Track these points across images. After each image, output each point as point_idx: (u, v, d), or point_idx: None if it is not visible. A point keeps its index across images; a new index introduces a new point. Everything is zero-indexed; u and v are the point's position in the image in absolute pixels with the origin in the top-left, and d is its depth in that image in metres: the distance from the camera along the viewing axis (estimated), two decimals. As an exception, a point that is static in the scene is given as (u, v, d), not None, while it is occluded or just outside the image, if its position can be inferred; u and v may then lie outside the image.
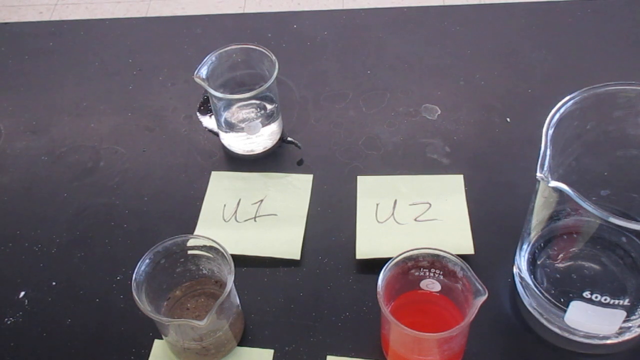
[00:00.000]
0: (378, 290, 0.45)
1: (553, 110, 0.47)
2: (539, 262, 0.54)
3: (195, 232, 0.60)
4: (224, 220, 0.61)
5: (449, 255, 0.47)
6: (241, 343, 0.52)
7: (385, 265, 0.47)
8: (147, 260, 0.49)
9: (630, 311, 0.47)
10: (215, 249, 0.50)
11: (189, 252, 0.51)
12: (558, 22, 0.79)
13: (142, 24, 0.88)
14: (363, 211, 0.60)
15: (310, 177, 0.64)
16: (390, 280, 0.47)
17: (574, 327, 0.49)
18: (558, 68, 0.73)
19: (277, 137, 0.68)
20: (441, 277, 0.49)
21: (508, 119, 0.68)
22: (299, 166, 0.66)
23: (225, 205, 0.62)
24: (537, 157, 0.44)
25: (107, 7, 1.81)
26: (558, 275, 0.53)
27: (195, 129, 0.70)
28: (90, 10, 1.80)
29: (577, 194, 0.41)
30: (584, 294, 0.46)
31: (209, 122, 0.71)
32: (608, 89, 0.48)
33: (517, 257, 0.54)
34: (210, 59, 0.63)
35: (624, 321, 0.47)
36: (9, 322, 0.55)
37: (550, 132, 0.46)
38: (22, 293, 0.57)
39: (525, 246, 0.53)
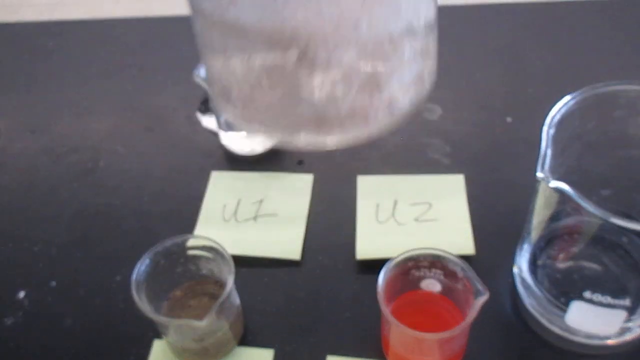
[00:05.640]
0: (378, 290, 0.45)
1: (553, 110, 0.47)
2: (539, 262, 0.54)
3: (195, 232, 0.60)
4: (224, 220, 0.61)
5: (449, 256, 0.47)
6: (241, 343, 0.52)
7: (386, 266, 0.47)
8: (147, 261, 0.49)
9: (631, 311, 0.47)
10: (215, 249, 0.50)
11: (189, 252, 0.51)
12: (558, 22, 0.79)
13: (142, 24, 0.88)
14: (363, 211, 0.60)
15: (310, 177, 0.64)
16: (390, 281, 0.47)
17: (575, 328, 0.49)
18: (558, 68, 0.73)
19: (277, 137, 0.68)
20: (442, 277, 0.49)
21: (508, 119, 0.68)
22: (299, 166, 0.65)
23: (225, 205, 0.62)
24: (538, 157, 0.44)
25: (107, 7, 1.81)
26: (559, 276, 0.53)
27: (195, 129, 0.70)
28: (90, 10, 1.80)
29: (577, 194, 0.41)
30: (585, 294, 0.46)
31: (209, 122, 0.71)
32: (609, 88, 0.48)
33: (517, 257, 0.54)
34: (210, 59, 0.63)
35: (625, 321, 0.47)
36: (9, 322, 0.55)
37: (551, 132, 0.46)
38: (22, 293, 0.57)
39: (525, 246, 0.53)
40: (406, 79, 0.23)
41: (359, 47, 0.20)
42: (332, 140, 0.23)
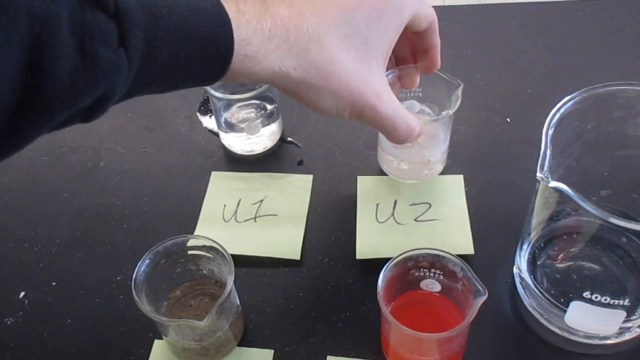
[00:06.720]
0: (378, 290, 0.45)
1: (553, 110, 0.47)
2: (539, 262, 0.54)
3: (195, 232, 0.60)
4: (224, 221, 0.61)
5: (449, 256, 0.47)
6: (241, 343, 0.52)
7: (386, 266, 0.47)
8: (147, 261, 0.49)
9: (630, 311, 0.47)
10: (216, 249, 0.50)
11: (189, 252, 0.51)
12: (558, 22, 0.79)
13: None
14: (363, 211, 0.60)
15: (310, 177, 0.64)
16: (390, 281, 0.47)
17: (574, 327, 0.49)
18: (558, 68, 0.73)
19: (277, 137, 0.68)
20: (441, 277, 0.49)
21: (508, 119, 0.68)
22: (299, 166, 0.66)
23: (225, 205, 0.62)
24: (537, 157, 0.44)
25: (107, 7, 1.81)
26: (558, 276, 0.53)
27: (195, 129, 0.70)
28: (90, 10, 1.80)
29: (577, 194, 0.41)
30: (584, 294, 0.46)
31: (209, 122, 0.71)
32: (608, 89, 0.48)
33: (517, 257, 0.54)
34: (210, 59, 0.63)
35: (624, 321, 0.47)
36: (9, 322, 0.55)
37: (550, 132, 0.46)
38: (22, 293, 0.57)
39: (525, 246, 0.53)
40: (440, 161, 0.60)
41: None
42: (411, 180, 0.62)
